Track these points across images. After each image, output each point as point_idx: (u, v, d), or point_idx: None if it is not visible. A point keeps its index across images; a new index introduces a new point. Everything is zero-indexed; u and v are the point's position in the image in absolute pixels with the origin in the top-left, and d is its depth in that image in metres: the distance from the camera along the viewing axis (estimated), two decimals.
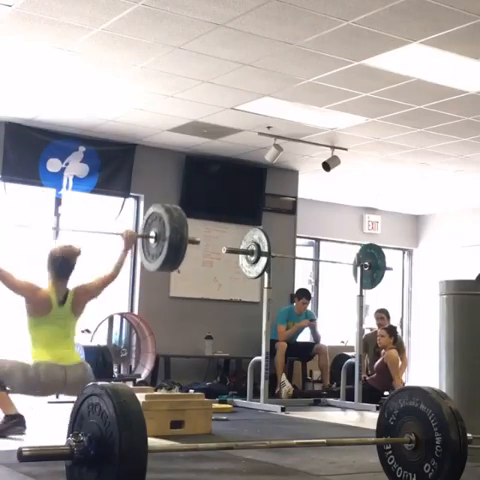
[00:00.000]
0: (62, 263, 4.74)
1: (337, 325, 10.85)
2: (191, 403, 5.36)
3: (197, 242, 5.27)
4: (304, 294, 9.04)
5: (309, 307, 9.36)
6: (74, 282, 4.83)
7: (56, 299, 4.70)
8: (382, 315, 9.20)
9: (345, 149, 8.47)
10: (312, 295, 10.08)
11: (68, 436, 2.67)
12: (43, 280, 4.78)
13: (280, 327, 8.72)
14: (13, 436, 4.55)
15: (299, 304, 8.95)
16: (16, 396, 4.78)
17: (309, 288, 10.15)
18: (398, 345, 8.55)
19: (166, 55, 5.86)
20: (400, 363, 8.50)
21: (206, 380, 8.57)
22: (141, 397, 4.99)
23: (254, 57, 5.85)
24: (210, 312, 8.98)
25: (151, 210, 5.08)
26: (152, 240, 4.98)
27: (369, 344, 8.73)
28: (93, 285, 4.85)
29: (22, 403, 4.84)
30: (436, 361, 4.54)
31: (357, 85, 6.40)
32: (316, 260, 11.24)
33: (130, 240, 5.03)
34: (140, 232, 5.21)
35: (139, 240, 5.17)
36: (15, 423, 4.60)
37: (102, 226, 8.71)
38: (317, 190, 10.63)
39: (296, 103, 6.99)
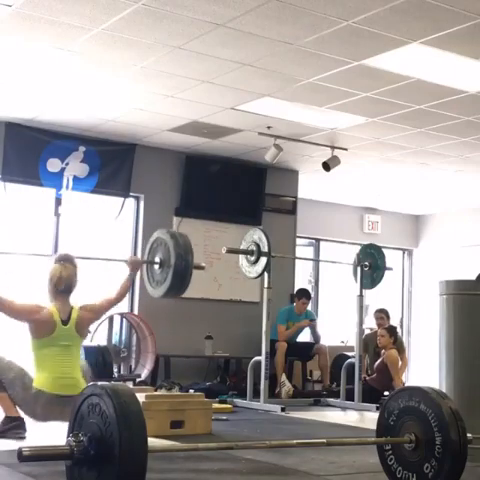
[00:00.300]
0: (61, 282, 4.62)
1: (337, 325, 10.85)
2: (191, 403, 5.36)
3: (202, 268, 5.23)
4: (304, 294, 9.05)
5: (309, 307, 9.36)
6: (78, 300, 4.74)
7: (59, 318, 4.56)
8: (382, 315, 9.20)
9: (345, 149, 8.47)
10: (312, 295, 10.09)
11: (68, 436, 2.67)
12: (44, 298, 4.67)
13: (280, 327, 8.72)
14: (12, 439, 4.54)
15: (299, 304, 8.95)
16: None
17: (309, 288, 10.15)
18: (398, 345, 8.55)
19: (166, 55, 5.86)
20: (400, 363, 8.50)
21: (206, 380, 8.57)
22: (141, 397, 4.99)
23: (254, 57, 5.85)
24: (210, 312, 8.98)
25: (156, 235, 5.01)
26: (157, 266, 4.91)
27: (369, 344, 8.73)
28: (97, 306, 4.76)
29: None
30: (436, 361, 4.54)
31: (357, 85, 6.40)
32: (316, 260, 11.24)
33: (135, 266, 5.05)
34: (145, 257, 5.12)
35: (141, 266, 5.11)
36: (15, 426, 4.54)
37: (102, 226, 8.75)
38: (317, 190, 10.63)
39: (296, 103, 6.99)
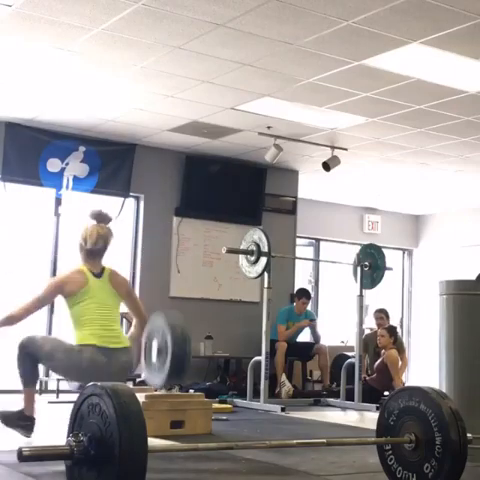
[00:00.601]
0: (96, 245, 4.49)
1: (337, 325, 10.85)
2: (191, 403, 5.36)
3: None
4: (304, 294, 9.05)
5: (309, 307, 9.36)
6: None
7: (91, 272, 4.43)
8: (381, 315, 9.20)
9: (345, 149, 8.47)
10: (312, 295, 10.08)
11: (68, 436, 2.67)
12: (72, 263, 4.59)
13: (280, 327, 8.72)
14: (18, 433, 4.54)
15: (299, 304, 8.95)
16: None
17: (309, 288, 10.15)
18: (398, 345, 8.56)
19: (166, 55, 5.86)
20: (400, 363, 8.50)
21: (206, 380, 8.57)
22: (141, 397, 4.99)
23: (254, 57, 5.85)
24: (210, 312, 8.98)
25: (154, 322, 4.76)
26: (154, 353, 4.74)
27: (369, 344, 8.73)
28: (129, 288, 4.69)
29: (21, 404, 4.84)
30: (436, 361, 4.54)
31: (357, 85, 6.40)
32: (316, 260, 11.24)
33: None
34: (143, 340, 4.83)
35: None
36: (26, 426, 4.52)
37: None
38: (317, 190, 10.64)
39: (296, 103, 6.99)
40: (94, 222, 4.58)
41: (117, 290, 4.52)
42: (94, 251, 4.49)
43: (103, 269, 4.51)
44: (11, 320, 4.42)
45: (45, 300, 4.54)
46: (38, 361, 4.44)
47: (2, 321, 4.41)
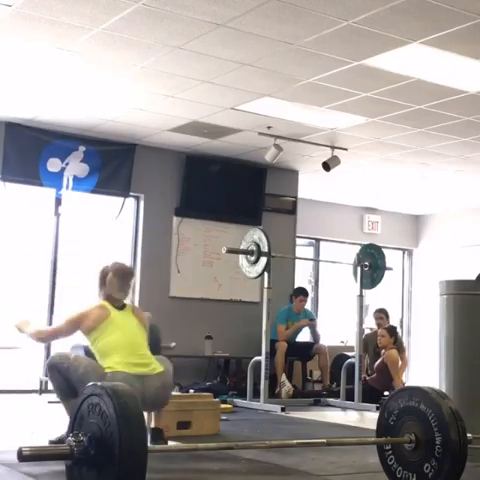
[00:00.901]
0: (120, 280, 4.45)
1: (337, 325, 10.85)
2: (198, 404, 5.34)
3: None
4: (301, 292, 9.04)
5: (309, 307, 9.36)
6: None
7: (112, 306, 4.38)
8: (381, 315, 9.20)
9: (345, 149, 8.47)
10: (311, 294, 10.08)
11: (68, 436, 2.67)
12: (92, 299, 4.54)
13: (280, 327, 8.72)
14: None
15: (297, 302, 8.94)
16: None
17: (309, 288, 10.15)
18: (398, 345, 8.55)
19: (166, 55, 5.86)
20: (400, 363, 8.50)
21: (206, 380, 8.57)
22: None
23: (254, 57, 5.85)
24: (210, 312, 8.97)
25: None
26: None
27: (369, 344, 8.73)
28: (146, 321, 4.54)
29: (21, 404, 4.85)
30: (436, 361, 4.54)
31: (357, 85, 6.40)
32: (316, 260, 11.24)
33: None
34: None
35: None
36: None
37: (102, 226, 8.75)
38: (317, 190, 10.63)
39: (296, 103, 6.99)
40: (118, 277, 4.48)
41: (140, 321, 4.46)
42: (117, 286, 4.46)
43: (125, 305, 4.49)
44: (39, 336, 4.46)
45: (63, 334, 4.47)
46: (70, 381, 4.25)
47: (32, 334, 4.40)
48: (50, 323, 8.16)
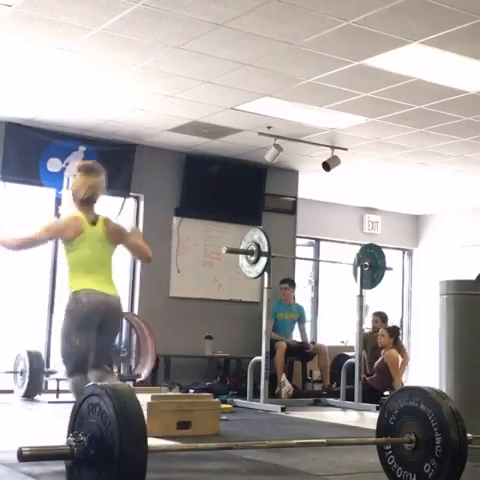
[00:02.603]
0: (86, 192, 4.45)
1: (337, 325, 10.86)
2: (198, 404, 5.33)
3: None
4: (286, 281, 9.02)
5: (309, 307, 9.35)
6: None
7: (87, 220, 4.41)
8: (376, 318, 9.12)
9: (345, 149, 8.47)
10: (311, 294, 10.06)
11: (68, 436, 2.67)
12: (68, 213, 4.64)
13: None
14: None
15: (281, 291, 8.92)
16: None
17: (309, 288, 10.14)
18: (398, 345, 8.54)
19: (166, 55, 5.86)
20: (400, 360, 8.48)
21: (206, 380, 8.57)
22: (147, 398, 4.98)
23: (254, 57, 5.85)
24: (210, 312, 8.98)
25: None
26: None
27: (368, 343, 8.69)
28: (124, 233, 4.60)
29: (22, 404, 4.85)
30: (436, 361, 4.54)
31: (357, 85, 6.40)
32: (316, 260, 11.23)
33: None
34: None
35: None
36: None
37: None
38: (317, 190, 10.63)
39: (296, 103, 6.99)
40: (83, 173, 4.51)
41: (111, 237, 4.50)
42: (85, 200, 4.46)
43: (98, 216, 4.50)
44: (10, 243, 4.40)
45: (42, 240, 4.45)
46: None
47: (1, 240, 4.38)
48: (50, 323, 8.18)
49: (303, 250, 11.03)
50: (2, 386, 7.58)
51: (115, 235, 4.52)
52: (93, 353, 4.28)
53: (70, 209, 4.59)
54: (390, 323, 9.22)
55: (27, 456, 2.55)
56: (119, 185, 8.48)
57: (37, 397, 7.27)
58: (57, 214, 8.33)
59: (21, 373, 7.38)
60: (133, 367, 8.52)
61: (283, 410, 6.92)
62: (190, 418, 5.10)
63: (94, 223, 4.44)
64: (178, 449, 3.94)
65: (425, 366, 10.04)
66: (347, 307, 9.48)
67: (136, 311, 8.63)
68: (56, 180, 8.12)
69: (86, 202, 4.45)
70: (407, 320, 12.26)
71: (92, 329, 4.26)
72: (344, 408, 7.74)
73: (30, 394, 7.23)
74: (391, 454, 3.32)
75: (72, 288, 4.31)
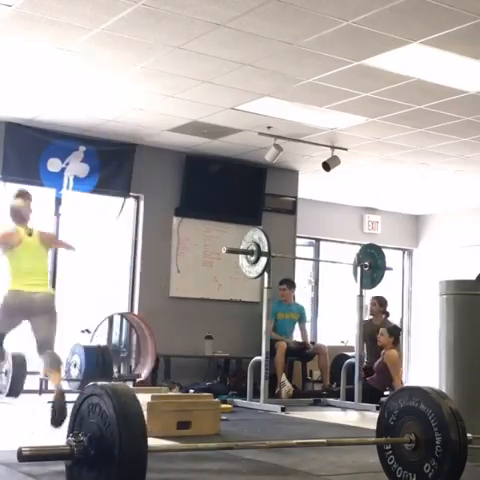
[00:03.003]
0: (19, 213, 5.64)
1: (337, 325, 10.85)
2: (198, 404, 5.33)
3: None
4: (285, 282, 9.02)
5: (309, 307, 9.35)
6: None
7: (24, 232, 5.55)
8: (374, 301, 8.93)
9: (345, 149, 8.47)
10: (311, 294, 10.05)
11: (68, 436, 2.67)
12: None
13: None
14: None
15: (280, 292, 8.92)
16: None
17: (309, 288, 10.14)
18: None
19: (166, 55, 5.86)
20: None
21: (206, 380, 8.57)
22: (147, 398, 4.98)
23: (254, 57, 5.85)
24: (210, 312, 8.98)
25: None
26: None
27: (366, 330, 8.43)
28: (53, 238, 6.40)
29: (22, 404, 4.85)
30: (436, 361, 4.54)
31: (357, 85, 6.40)
32: (316, 260, 11.23)
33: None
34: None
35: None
36: None
37: (102, 226, 8.75)
38: (317, 190, 10.63)
39: (296, 103, 6.99)
40: (19, 198, 5.70)
41: (45, 244, 5.71)
42: (22, 218, 5.65)
43: (32, 229, 5.64)
44: None
45: None
46: None
47: None
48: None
49: (303, 250, 11.03)
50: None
51: (47, 241, 5.79)
52: (37, 342, 5.44)
53: (9, 225, 5.64)
54: (390, 320, 9.14)
55: (27, 456, 2.55)
56: (119, 185, 8.49)
57: (37, 397, 7.26)
58: (57, 214, 8.34)
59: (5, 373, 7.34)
60: (133, 367, 8.52)
61: (283, 410, 6.92)
62: (190, 418, 5.09)
63: (30, 234, 5.59)
64: (178, 449, 3.94)
65: (425, 366, 10.05)
66: (347, 307, 9.47)
67: (136, 311, 8.64)
68: (56, 180, 8.12)
69: (22, 219, 5.62)
70: (407, 320, 12.26)
71: (16, 318, 5.45)
72: (344, 408, 7.74)
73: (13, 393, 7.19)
74: (391, 454, 3.32)
75: (8, 289, 5.43)
